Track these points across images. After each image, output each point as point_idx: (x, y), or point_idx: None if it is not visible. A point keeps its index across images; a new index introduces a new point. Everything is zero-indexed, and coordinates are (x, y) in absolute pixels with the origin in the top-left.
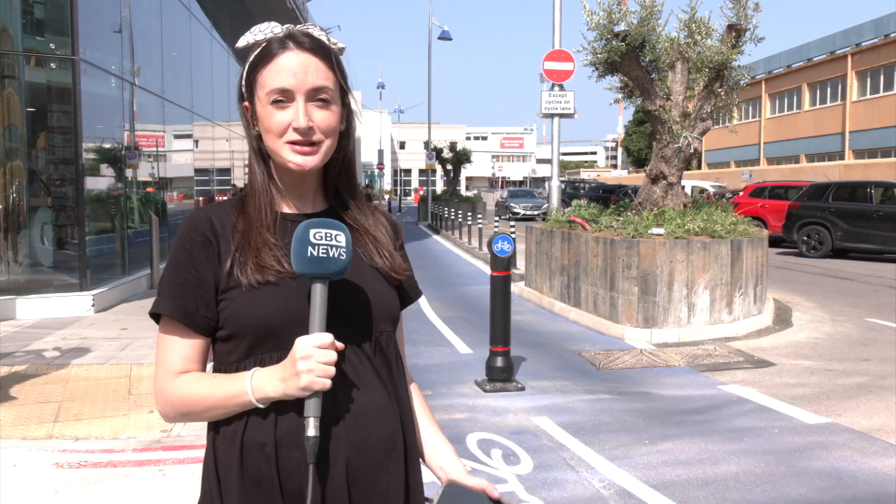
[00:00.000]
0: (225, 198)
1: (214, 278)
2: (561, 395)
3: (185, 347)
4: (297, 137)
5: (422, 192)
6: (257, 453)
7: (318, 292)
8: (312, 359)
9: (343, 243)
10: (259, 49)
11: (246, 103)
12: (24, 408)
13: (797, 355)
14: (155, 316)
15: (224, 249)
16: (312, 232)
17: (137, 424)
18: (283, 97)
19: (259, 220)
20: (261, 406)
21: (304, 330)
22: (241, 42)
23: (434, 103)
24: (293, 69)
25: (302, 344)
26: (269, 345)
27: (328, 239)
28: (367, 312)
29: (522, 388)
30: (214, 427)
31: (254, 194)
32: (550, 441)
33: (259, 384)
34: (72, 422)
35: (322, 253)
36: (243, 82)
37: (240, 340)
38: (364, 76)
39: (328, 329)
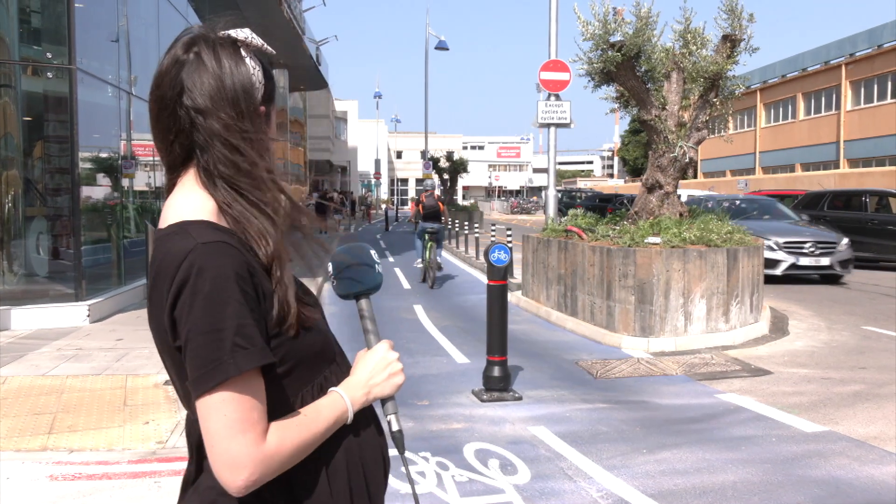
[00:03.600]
0: None
1: (265, 318)
2: (558, 405)
3: (263, 397)
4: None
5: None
6: (345, 470)
7: (370, 305)
8: (396, 360)
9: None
10: (270, 77)
11: (264, 108)
12: (19, 419)
13: (794, 364)
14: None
15: (265, 285)
16: (373, 253)
17: (132, 436)
18: None
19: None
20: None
21: (336, 341)
22: (260, 41)
23: (431, 113)
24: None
25: (387, 349)
26: (323, 363)
27: (377, 258)
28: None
29: (520, 398)
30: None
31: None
32: (548, 451)
33: (354, 397)
34: (66, 433)
35: (380, 270)
36: (262, 86)
37: (300, 370)
38: (361, 85)
39: (330, 346)
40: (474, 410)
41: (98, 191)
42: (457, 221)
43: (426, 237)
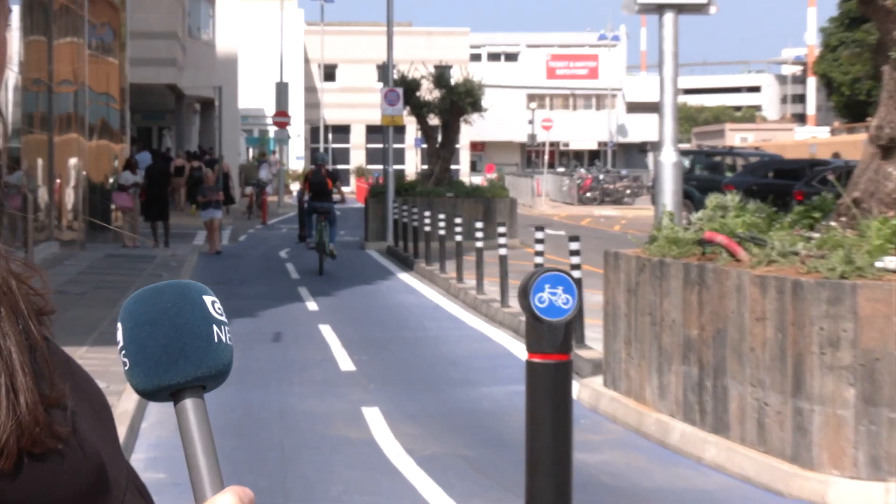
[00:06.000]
0: None
1: None
2: None
3: None
4: None
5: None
6: None
7: (202, 412)
8: None
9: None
10: None
11: None
12: None
13: None
14: None
15: None
16: (209, 301)
17: None
18: None
19: None
20: None
21: None
22: None
23: None
24: None
25: None
26: None
27: (221, 312)
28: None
29: None
30: None
31: None
32: None
33: None
34: None
35: (228, 338)
36: None
37: None
38: None
39: (106, 486)
40: None
41: None
42: (458, 221)
43: (317, 217)
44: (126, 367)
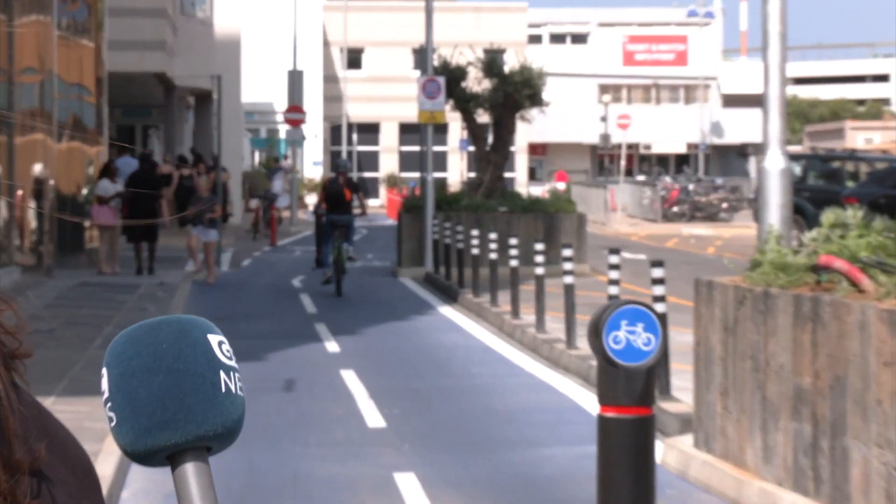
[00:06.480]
0: None
1: None
2: None
3: None
4: None
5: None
6: None
7: (205, 478)
8: None
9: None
10: None
11: None
12: None
13: None
14: None
15: None
16: (216, 341)
17: None
18: None
19: None
20: None
21: None
22: None
23: None
24: None
25: None
26: None
27: (230, 356)
28: None
29: None
30: None
31: None
32: None
33: None
34: None
35: (239, 388)
36: None
37: None
38: None
39: None
40: None
41: None
42: (513, 242)
43: (335, 233)
44: (112, 424)
